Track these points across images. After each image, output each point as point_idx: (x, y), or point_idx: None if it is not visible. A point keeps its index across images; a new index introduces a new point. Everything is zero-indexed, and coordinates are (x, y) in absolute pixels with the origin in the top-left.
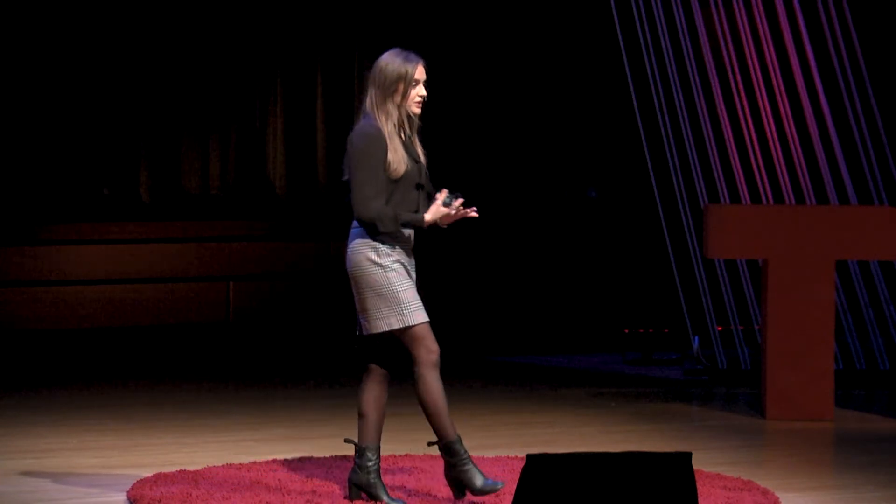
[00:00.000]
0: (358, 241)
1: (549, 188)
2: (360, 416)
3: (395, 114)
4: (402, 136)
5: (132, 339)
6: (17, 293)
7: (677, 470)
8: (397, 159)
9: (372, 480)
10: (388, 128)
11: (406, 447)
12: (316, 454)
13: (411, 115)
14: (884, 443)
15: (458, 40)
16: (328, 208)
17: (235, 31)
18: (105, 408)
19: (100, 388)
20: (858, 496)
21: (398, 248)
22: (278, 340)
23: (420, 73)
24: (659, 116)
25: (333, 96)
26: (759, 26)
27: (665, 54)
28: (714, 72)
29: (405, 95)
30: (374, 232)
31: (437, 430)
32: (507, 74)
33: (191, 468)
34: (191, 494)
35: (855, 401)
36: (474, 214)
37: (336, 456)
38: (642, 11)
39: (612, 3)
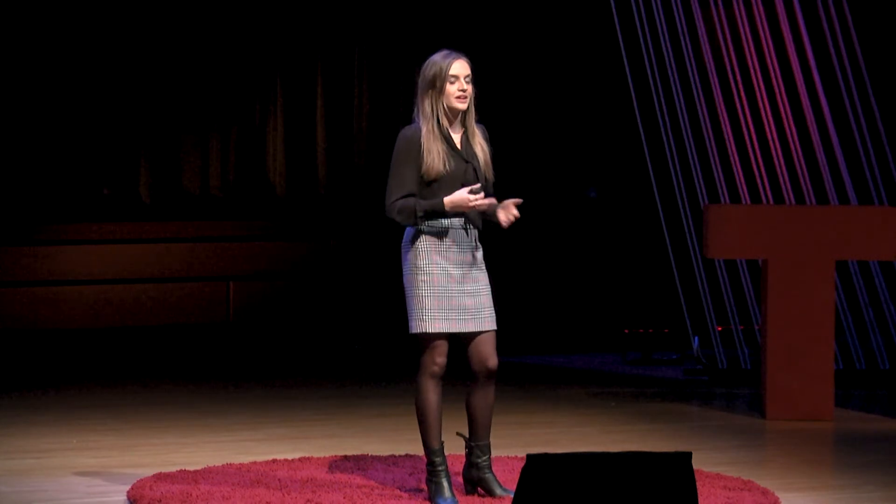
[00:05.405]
0: (405, 240)
1: (550, 188)
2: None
3: (434, 112)
4: (451, 134)
5: (132, 339)
6: (17, 293)
7: (677, 470)
8: (431, 159)
9: (485, 475)
10: (428, 127)
11: (405, 447)
12: (316, 454)
13: (453, 110)
14: (884, 443)
15: (457, 40)
16: (328, 208)
17: (235, 31)
18: (105, 408)
19: (100, 388)
20: (858, 496)
21: (442, 249)
22: (278, 340)
23: (457, 68)
24: (659, 116)
25: (333, 96)
26: (759, 26)
27: (665, 54)
28: (714, 72)
29: (442, 91)
30: (413, 230)
31: (422, 437)
32: (507, 74)
33: (191, 468)
34: (191, 494)
35: (855, 401)
36: (516, 204)
37: (336, 456)
38: (642, 11)
39: (612, 3)
